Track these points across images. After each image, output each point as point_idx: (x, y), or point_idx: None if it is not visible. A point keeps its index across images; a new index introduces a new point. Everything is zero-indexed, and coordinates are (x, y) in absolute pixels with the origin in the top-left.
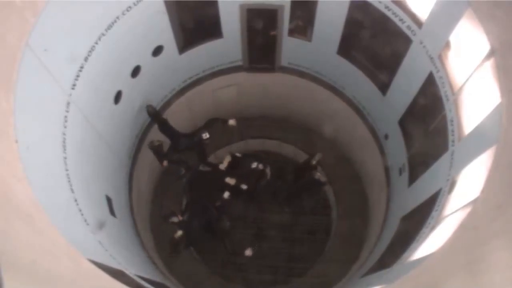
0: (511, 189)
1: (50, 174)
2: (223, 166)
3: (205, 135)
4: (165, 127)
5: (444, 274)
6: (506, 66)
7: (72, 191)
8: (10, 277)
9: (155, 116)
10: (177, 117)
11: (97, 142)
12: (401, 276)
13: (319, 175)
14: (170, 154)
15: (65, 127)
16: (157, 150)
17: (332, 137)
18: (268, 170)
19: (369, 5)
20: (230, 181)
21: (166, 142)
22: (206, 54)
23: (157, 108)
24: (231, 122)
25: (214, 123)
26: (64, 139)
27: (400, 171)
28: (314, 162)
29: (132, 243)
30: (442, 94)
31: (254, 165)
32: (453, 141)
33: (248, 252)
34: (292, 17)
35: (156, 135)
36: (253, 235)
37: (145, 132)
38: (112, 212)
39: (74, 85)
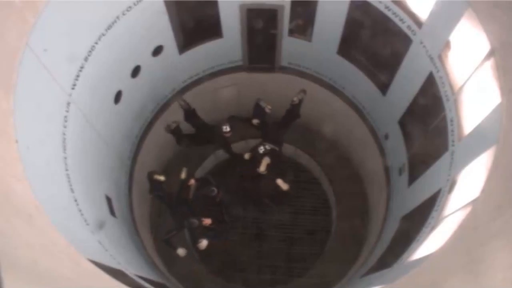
0: (511, 189)
1: (50, 174)
2: (248, 155)
3: (225, 128)
4: (191, 116)
5: (444, 274)
6: (506, 66)
7: (72, 191)
8: (10, 277)
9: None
10: (178, 117)
11: (97, 142)
12: (401, 276)
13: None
14: (188, 140)
15: (65, 127)
16: (175, 131)
17: (332, 137)
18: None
19: (369, 5)
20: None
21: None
22: (206, 54)
23: (158, 109)
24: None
25: (235, 121)
26: (64, 139)
27: (400, 171)
28: (296, 101)
29: (132, 243)
30: (442, 94)
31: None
32: (453, 141)
33: (181, 252)
34: (292, 17)
35: (157, 133)
36: (253, 235)
37: (145, 132)
38: (112, 212)
39: (74, 85)
